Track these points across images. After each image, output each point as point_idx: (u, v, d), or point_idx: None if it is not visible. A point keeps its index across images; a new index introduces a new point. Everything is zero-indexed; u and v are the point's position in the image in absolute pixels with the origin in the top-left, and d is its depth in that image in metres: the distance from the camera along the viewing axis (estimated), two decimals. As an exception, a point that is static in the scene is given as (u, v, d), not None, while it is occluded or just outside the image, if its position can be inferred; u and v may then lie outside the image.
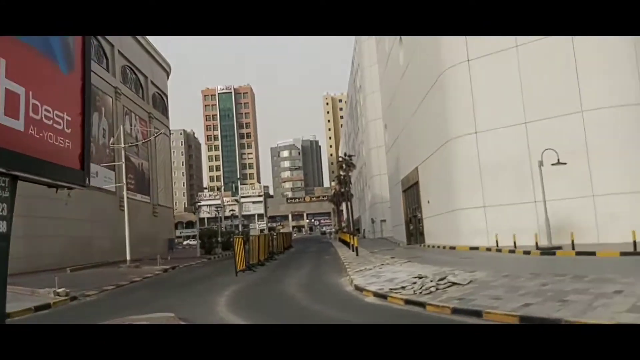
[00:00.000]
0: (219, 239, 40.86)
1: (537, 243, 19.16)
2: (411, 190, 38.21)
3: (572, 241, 17.76)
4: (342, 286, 14.49)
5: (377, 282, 12.95)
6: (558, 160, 18.55)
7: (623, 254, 15.22)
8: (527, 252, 19.01)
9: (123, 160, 27.57)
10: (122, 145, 27.73)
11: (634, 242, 15.45)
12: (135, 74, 46.42)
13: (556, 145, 19.39)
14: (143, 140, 33.34)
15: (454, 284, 10.83)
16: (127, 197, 41.50)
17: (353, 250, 26.64)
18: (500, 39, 23.81)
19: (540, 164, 18.71)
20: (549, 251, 18.02)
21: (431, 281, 11.15)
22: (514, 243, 21.21)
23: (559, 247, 18.22)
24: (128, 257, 26.36)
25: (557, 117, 22.03)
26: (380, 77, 50.82)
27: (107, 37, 38.79)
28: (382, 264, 17.75)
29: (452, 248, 25.80)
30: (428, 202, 32.27)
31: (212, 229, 47.94)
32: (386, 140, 51.09)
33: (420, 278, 11.64)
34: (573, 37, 21.61)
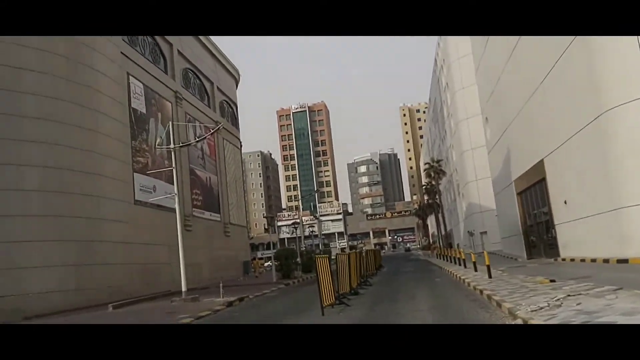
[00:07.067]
0: (298, 259, 34.83)
1: None
2: (532, 191, 30.60)
3: None
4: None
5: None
6: None
7: None
8: None
9: (174, 164, 22.14)
10: (172, 146, 22.37)
11: None
12: (199, 78, 41.89)
13: None
14: (194, 141, 27.97)
15: None
16: (194, 215, 36.97)
17: (474, 269, 19.70)
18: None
19: None
20: None
21: None
22: None
23: None
24: (184, 288, 20.66)
25: None
26: (476, 67, 43.55)
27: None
28: (566, 296, 10.62)
29: (623, 261, 18.22)
30: (565, 202, 24.69)
31: (291, 248, 42.02)
32: (487, 137, 43.43)
33: None
34: None
